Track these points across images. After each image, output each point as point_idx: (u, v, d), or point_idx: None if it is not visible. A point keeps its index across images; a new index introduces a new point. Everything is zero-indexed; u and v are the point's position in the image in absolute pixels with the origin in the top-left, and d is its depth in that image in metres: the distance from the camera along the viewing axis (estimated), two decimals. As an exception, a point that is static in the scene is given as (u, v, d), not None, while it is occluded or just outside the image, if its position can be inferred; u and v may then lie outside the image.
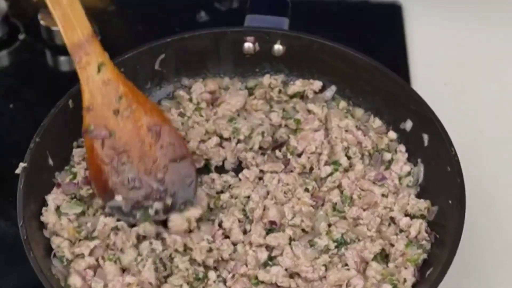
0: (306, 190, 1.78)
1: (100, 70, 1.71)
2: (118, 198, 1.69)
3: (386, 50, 2.15)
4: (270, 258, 1.68)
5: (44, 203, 1.73)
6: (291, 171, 1.81)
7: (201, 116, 1.89)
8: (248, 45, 1.95)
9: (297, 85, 1.92)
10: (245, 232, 1.72)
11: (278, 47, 1.94)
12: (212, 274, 1.65)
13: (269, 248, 1.69)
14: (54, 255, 1.67)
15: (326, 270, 1.65)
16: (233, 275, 1.64)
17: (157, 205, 1.71)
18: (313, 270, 1.64)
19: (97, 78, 1.71)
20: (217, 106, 1.91)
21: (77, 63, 1.70)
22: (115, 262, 1.65)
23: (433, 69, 2.16)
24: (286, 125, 1.88)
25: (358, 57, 1.88)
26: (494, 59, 2.21)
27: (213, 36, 1.93)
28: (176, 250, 1.65)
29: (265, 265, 1.67)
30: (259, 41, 1.94)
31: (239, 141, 1.85)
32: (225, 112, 1.89)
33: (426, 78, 2.12)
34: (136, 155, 1.73)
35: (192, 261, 1.65)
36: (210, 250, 1.66)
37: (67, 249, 1.66)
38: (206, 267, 1.66)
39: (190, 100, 1.92)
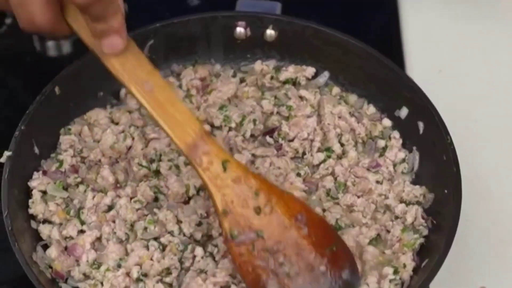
0: (298, 175, 1.76)
1: (226, 167, 1.56)
2: None
3: (381, 37, 2.14)
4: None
5: (29, 192, 1.70)
6: (283, 155, 1.79)
7: (192, 103, 1.87)
8: (239, 30, 1.92)
9: (289, 71, 1.91)
10: None
11: (270, 32, 1.92)
12: (199, 250, 1.63)
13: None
14: (42, 246, 1.65)
15: None
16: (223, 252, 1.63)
17: None
18: None
19: (225, 176, 1.55)
20: (208, 94, 1.88)
21: (199, 166, 1.54)
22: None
23: (428, 56, 2.15)
24: (278, 112, 1.86)
25: (352, 43, 1.86)
26: (489, 46, 2.20)
27: (204, 21, 1.91)
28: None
29: None
30: (251, 26, 1.91)
31: (230, 129, 1.83)
32: (216, 100, 1.87)
33: (420, 65, 2.11)
34: (293, 252, 1.57)
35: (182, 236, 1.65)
36: (199, 224, 1.65)
37: (58, 235, 1.65)
38: (196, 242, 1.66)
39: (180, 87, 1.89)
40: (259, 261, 1.55)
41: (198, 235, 1.65)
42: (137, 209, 1.68)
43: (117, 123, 1.83)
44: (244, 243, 1.55)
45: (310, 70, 1.90)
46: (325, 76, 1.92)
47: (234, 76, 1.93)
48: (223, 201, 1.54)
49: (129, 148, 1.79)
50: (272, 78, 1.90)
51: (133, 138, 1.78)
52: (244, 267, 1.55)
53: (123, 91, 1.88)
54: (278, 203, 1.57)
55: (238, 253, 1.55)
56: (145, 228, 1.65)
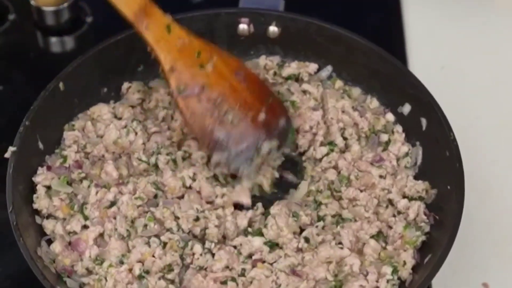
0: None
1: (170, 30, 1.69)
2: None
3: (384, 34, 2.14)
4: (250, 225, 1.69)
5: (34, 187, 1.70)
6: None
7: None
8: (242, 27, 1.92)
9: (292, 67, 1.91)
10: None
11: (273, 29, 1.92)
12: (197, 247, 1.64)
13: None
14: (47, 240, 1.66)
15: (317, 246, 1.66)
16: (217, 241, 1.65)
17: (267, 144, 1.74)
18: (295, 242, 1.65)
19: (170, 38, 1.69)
20: None
21: (145, 29, 1.67)
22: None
23: (431, 53, 2.15)
24: None
25: (355, 40, 1.86)
26: (491, 43, 2.20)
27: (207, 17, 1.91)
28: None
29: (245, 233, 1.68)
30: (254, 22, 1.91)
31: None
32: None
33: (423, 62, 2.11)
34: (235, 102, 1.73)
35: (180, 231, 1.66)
36: (197, 219, 1.66)
37: (62, 230, 1.65)
38: (194, 237, 1.67)
39: None
40: (205, 111, 1.70)
41: (197, 230, 1.66)
42: (138, 206, 1.68)
43: (120, 118, 1.83)
44: (191, 96, 1.69)
45: (313, 66, 1.91)
46: (328, 70, 1.92)
47: None
48: (169, 60, 1.68)
49: (132, 142, 1.79)
50: (275, 74, 1.90)
51: (135, 133, 1.79)
52: (192, 118, 1.70)
53: (124, 86, 1.88)
54: (219, 61, 1.72)
55: (185, 106, 1.70)
56: (145, 225, 1.66)
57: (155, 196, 1.72)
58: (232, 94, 1.73)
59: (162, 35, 1.68)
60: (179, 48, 1.70)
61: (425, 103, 1.77)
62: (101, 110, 1.83)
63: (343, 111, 1.83)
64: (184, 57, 1.70)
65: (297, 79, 1.91)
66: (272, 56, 1.93)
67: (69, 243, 1.65)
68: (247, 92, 1.75)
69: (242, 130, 1.73)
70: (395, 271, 1.62)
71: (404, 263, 1.63)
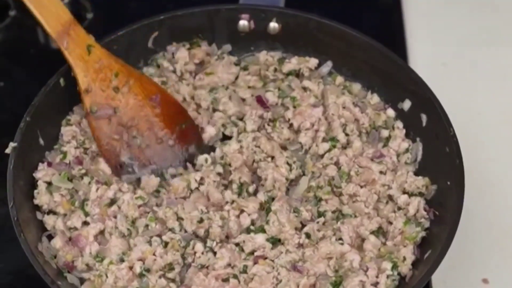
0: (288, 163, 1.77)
1: (90, 51, 1.73)
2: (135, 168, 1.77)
3: (384, 30, 2.14)
4: (253, 223, 1.69)
5: (34, 183, 1.70)
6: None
7: (184, 80, 1.90)
8: (243, 23, 1.92)
9: (292, 63, 1.90)
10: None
11: (273, 25, 1.91)
12: (199, 246, 1.64)
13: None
14: (47, 236, 1.66)
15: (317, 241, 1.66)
16: (219, 241, 1.65)
17: (171, 170, 1.78)
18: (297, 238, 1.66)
19: (89, 59, 1.72)
20: (206, 75, 1.89)
21: (66, 49, 1.71)
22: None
23: (432, 49, 2.15)
24: (282, 104, 1.86)
25: (355, 36, 1.86)
26: (492, 40, 2.19)
27: (207, 13, 1.90)
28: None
29: (248, 230, 1.68)
30: (255, 18, 1.91)
31: (214, 110, 1.87)
32: (210, 83, 1.89)
33: (424, 59, 2.11)
34: (145, 127, 1.77)
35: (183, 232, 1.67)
36: (201, 220, 1.66)
37: (63, 226, 1.66)
38: (196, 237, 1.67)
39: (174, 71, 1.90)
40: (114, 134, 1.75)
41: (201, 232, 1.67)
42: (139, 206, 1.68)
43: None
44: (103, 118, 1.74)
45: (313, 61, 1.90)
46: (328, 65, 1.91)
47: (237, 64, 1.93)
48: (86, 81, 1.72)
49: None
50: (275, 70, 1.90)
51: None
52: (101, 139, 1.75)
53: None
54: (135, 84, 1.76)
55: (96, 126, 1.74)
56: (146, 225, 1.66)
57: (157, 191, 1.73)
58: (143, 119, 1.77)
59: (82, 55, 1.72)
60: (97, 70, 1.73)
61: (425, 99, 1.77)
62: None
63: (343, 107, 1.83)
64: (100, 79, 1.74)
65: (298, 74, 1.91)
66: (272, 51, 1.93)
67: (70, 239, 1.65)
68: (159, 117, 1.78)
69: (149, 155, 1.78)
70: (395, 266, 1.62)
71: (404, 258, 1.63)
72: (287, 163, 1.75)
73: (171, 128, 1.79)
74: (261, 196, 1.72)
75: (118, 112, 1.75)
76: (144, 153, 1.77)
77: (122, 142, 1.76)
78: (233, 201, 1.71)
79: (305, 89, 1.87)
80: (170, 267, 1.61)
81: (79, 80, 1.72)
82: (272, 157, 1.77)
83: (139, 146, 1.77)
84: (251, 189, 1.73)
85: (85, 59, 1.72)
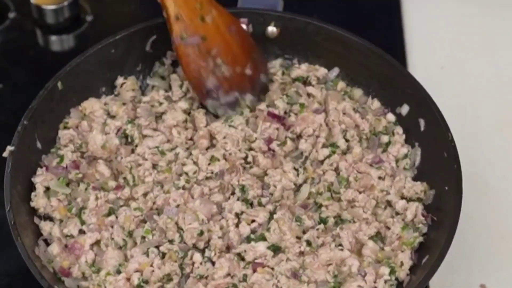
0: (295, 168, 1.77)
1: None
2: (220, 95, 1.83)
3: (383, 34, 2.13)
4: (253, 231, 1.68)
5: (32, 187, 1.70)
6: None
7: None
8: (241, 27, 1.92)
9: (302, 69, 1.90)
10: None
11: (272, 29, 1.91)
12: (197, 256, 1.63)
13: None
14: (43, 240, 1.66)
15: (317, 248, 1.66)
16: (219, 252, 1.64)
17: (249, 97, 1.85)
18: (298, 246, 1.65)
19: None
20: None
21: None
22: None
23: (430, 53, 2.15)
24: (290, 110, 1.85)
25: (354, 40, 1.86)
26: (491, 43, 2.20)
27: (206, 17, 1.90)
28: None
29: (248, 239, 1.67)
30: (253, 22, 1.91)
31: None
32: None
33: (422, 62, 2.11)
34: (228, 56, 1.83)
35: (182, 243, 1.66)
36: (201, 233, 1.65)
37: (59, 233, 1.65)
38: (195, 248, 1.66)
39: (181, 86, 1.90)
40: (201, 61, 1.81)
41: (201, 245, 1.66)
42: (136, 216, 1.68)
43: (113, 117, 1.83)
44: (191, 45, 1.79)
45: (322, 71, 1.90)
46: (335, 71, 1.91)
47: None
48: (175, 8, 1.76)
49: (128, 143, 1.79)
50: (283, 73, 1.90)
51: (125, 137, 1.78)
52: (190, 65, 1.80)
53: (118, 81, 1.87)
54: (217, 14, 1.82)
55: (185, 53, 1.79)
56: (143, 237, 1.66)
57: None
58: (225, 48, 1.83)
59: None
60: None
61: (423, 103, 1.77)
62: (93, 106, 1.82)
63: (344, 113, 1.82)
64: (188, 8, 1.78)
65: (305, 82, 1.90)
66: (275, 60, 1.94)
67: (66, 246, 1.65)
68: (237, 46, 1.85)
69: (231, 83, 1.84)
70: (392, 271, 1.62)
71: (402, 264, 1.63)
72: (294, 168, 1.75)
73: (247, 57, 1.86)
74: (270, 206, 1.71)
75: (205, 41, 1.80)
76: (227, 81, 1.84)
77: (208, 69, 1.81)
78: (242, 212, 1.69)
79: (308, 95, 1.87)
80: (168, 278, 1.60)
81: (168, 6, 1.76)
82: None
83: (223, 74, 1.83)
84: (264, 201, 1.72)
85: None
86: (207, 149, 1.79)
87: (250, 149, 1.78)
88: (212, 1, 1.82)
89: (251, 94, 1.86)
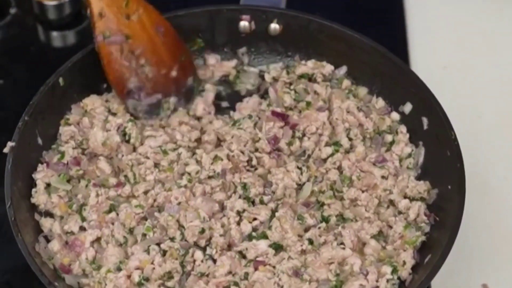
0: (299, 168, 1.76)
1: None
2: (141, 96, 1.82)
3: (385, 33, 2.11)
4: (255, 229, 1.68)
5: (32, 183, 1.70)
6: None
7: None
8: (243, 24, 1.92)
9: (308, 66, 1.89)
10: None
11: (274, 26, 1.91)
12: (198, 254, 1.63)
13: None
14: (44, 237, 1.65)
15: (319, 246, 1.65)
16: (220, 250, 1.64)
17: (173, 100, 1.84)
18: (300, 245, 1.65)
19: None
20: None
21: None
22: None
23: (433, 52, 2.14)
24: (295, 107, 1.84)
25: (357, 38, 1.85)
26: (494, 43, 2.19)
27: (208, 14, 1.90)
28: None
29: (249, 237, 1.66)
30: (255, 19, 1.91)
31: None
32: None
33: (425, 61, 2.10)
34: (152, 56, 1.81)
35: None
36: (202, 231, 1.64)
37: (60, 229, 1.65)
38: (196, 245, 1.66)
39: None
40: (124, 61, 1.78)
41: (202, 242, 1.65)
42: (137, 214, 1.67)
43: (114, 114, 1.83)
44: (115, 43, 1.77)
45: (328, 68, 1.89)
46: (343, 69, 1.90)
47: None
48: (99, 4, 1.75)
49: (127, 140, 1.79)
50: (288, 73, 1.89)
51: (124, 135, 1.77)
52: (112, 65, 1.78)
53: None
54: (144, 13, 1.79)
55: (108, 52, 1.77)
56: (144, 234, 1.65)
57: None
58: (150, 48, 1.81)
59: None
60: None
61: (426, 102, 1.77)
62: (94, 103, 1.82)
63: (348, 112, 1.82)
64: (113, 4, 1.76)
65: (310, 79, 1.89)
66: (276, 63, 1.94)
67: (66, 243, 1.65)
68: (164, 47, 1.83)
69: (154, 84, 1.83)
70: (395, 270, 1.62)
71: (404, 263, 1.63)
72: (297, 167, 1.74)
73: (174, 59, 1.84)
74: (271, 204, 1.70)
75: (129, 39, 1.78)
76: (150, 82, 1.82)
77: (131, 69, 1.79)
78: (244, 210, 1.69)
79: (314, 92, 1.86)
80: (169, 275, 1.60)
81: (92, 3, 1.74)
82: None
83: (146, 75, 1.81)
84: (266, 199, 1.71)
85: None
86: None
87: (256, 150, 1.77)
88: (140, 0, 1.80)
89: (176, 97, 1.85)
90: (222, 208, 1.70)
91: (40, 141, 1.73)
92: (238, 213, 1.68)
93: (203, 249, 1.65)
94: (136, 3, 1.78)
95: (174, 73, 1.84)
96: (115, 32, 1.76)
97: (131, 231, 1.66)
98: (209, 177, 1.73)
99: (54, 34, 2.17)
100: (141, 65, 1.80)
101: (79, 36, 2.16)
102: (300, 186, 1.74)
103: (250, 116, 1.81)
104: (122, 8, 1.76)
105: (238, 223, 1.67)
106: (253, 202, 1.71)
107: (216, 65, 1.93)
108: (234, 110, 1.88)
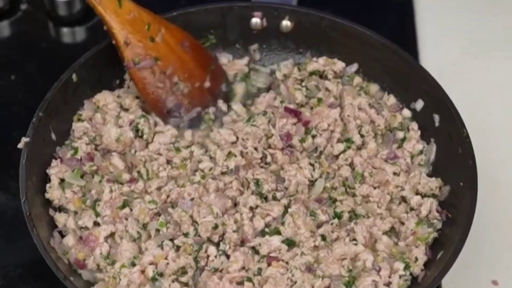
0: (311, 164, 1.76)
1: (121, 4, 1.74)
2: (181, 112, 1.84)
3: (396, 30, 2.13)
4: (267, 225, 1.68)
5: (46, 178, 1.70)
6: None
7: None
8: (255, 21, 1.92)
9: (319, 63, 1.89)
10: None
11: (286, 23, 1.91)
12: (212, 249, 1.64)
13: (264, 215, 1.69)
14: (58, 232, 1.66)
15: (331, 242, 1.66)
16: (233, 245, 1.64)
17: (212, 109, 1.86)
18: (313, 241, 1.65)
19: (121, 12, 1.74)
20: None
21: (99, 4, 1.72)
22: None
23: (442, 49, 2.14)
24: (307, 103, 1.84)
25: (369, 35, 1.86)
26: (503, 40, 2.19)
27: (220, 10, 1.91)
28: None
29: (262, 233, 1.67)
30: (267, 16, 1.91)
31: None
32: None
33: (435, 58, 2.10)
34: (183, 72, 1.83)
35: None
36: (215, 227, 1.65)
37: (74, 225, 1.66)
38: (209, 241, 1.66)
39: None
40: (158, 82, 1.80)
41: (215, 238, 1.66)
42: (150, 209, 1.68)
43: (126, 110, 1.83)
44: (145, 68, 1.78)
45: (340, 65, 1.89)
46: (354, 66, 1.90)
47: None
48: (123, 34, 1.75)
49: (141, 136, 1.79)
50: (299, 70, 1.89)
51: (137, 130, 1.78)
52: (147, 89, 1.80)
53: (127, 75, 1.87)
54: (166, 32, 1.81)
55: (140, 77, 1.78)
56: (158, 230, 1.66)
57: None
58: (180, 65, 1.82)
59: (114, 9, 1.74)
60: (130, 22, 1.75)
61: (438, 99, 1.77)
62: (106, 99, 1.83)
63: (359, 109, 1.82)
64: (135, 31, 1.76)
65: (321, 76, 1.89)
66: (287, 60, 1.94)
67: (81, 238, 1.65)
68: (192, 61, 1.84)
69: (191, 99, 1.84)
70: (407, 267, 1.62)
71: (416, 259, 1.63)
72: (310, 163, 1.74)
73: (204, 70, 1.86)
74: (284, 200, 1.71)
75: (158, 61, 1.79)
76: (187, 98, 1.83)
77: (166, 89, 1.81)
78: (257, 206, 1.69)
79: (325, 89, 1.87)
80: (183, 271, 1.61)
81: (116, 34, 1.74)
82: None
83: (181, 92, 1.83)
84: (278, 195, 1.72)
85: (118, 12, 1.74)
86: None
87: (269, 146, 1.78)
88: (159, 19, 1.81)
89: (214, 107, 1.86)
90: (235, 204, 1.71)
91: (54, 136, 1.74)
92: (251, 209, 1.69)
93: (217, 245, 1.65)
94: (157, 24, 1.79)
95: (207, 84, 1.86)
96: (143, 57, 1.77)
97: (144, 226, 1.67)
98: (222, 173, 1.73)
99: (65, 30, 2.17)
100: (174, 83, 1.82)
101: (89, 32, 2.17)
102: (312, 183, 1.74)
103: (265, 113, 1.81)
104: (145, 32, 1.77)
105: (251, 219, 1.68)
106: (265, 198, 1.71)
107: (228, 64, 1.93)
108: (246, 108, 1.89)
